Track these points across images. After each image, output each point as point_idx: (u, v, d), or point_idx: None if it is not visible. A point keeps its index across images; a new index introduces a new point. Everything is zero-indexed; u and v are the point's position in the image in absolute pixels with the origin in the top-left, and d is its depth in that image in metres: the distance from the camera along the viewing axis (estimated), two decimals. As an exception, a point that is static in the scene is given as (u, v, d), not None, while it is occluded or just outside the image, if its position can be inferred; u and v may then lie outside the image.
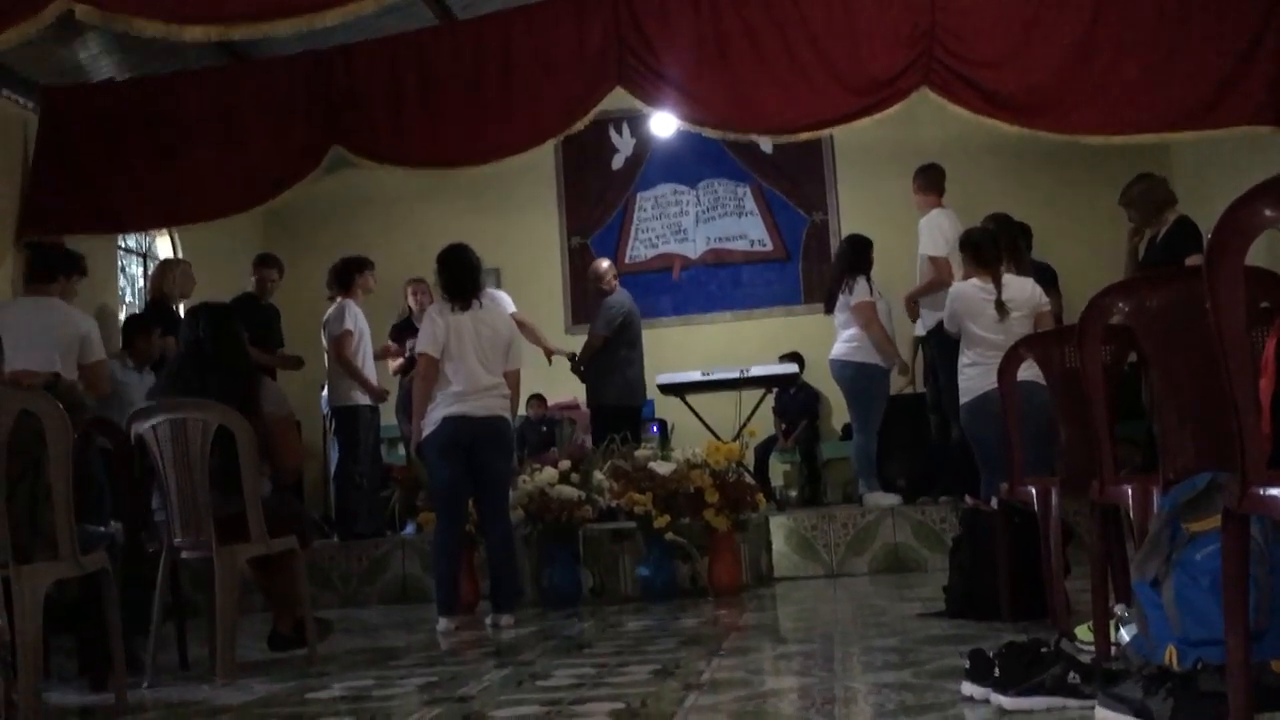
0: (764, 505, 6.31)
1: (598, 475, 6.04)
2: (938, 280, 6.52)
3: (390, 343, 7.98)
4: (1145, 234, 6.33)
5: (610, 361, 7.48)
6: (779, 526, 6.54)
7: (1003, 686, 2.57)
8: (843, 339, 6.89)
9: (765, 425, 8.64)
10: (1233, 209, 1.94)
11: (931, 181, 6.92)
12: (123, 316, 8.38)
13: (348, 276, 7.42)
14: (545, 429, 8.64)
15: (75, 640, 4.03)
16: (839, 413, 8.84)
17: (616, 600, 5.86)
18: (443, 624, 5.00)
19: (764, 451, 8.77)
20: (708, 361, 8.50)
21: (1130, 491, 2.89)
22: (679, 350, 9.11)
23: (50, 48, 7.08)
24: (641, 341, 7.67)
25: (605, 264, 7.89)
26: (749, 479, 6.25)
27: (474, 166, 7.25)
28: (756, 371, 8.04)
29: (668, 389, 8.06)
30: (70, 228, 7.13)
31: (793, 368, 8.35)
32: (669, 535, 5.76)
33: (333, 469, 7.46)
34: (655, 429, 8.02)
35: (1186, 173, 8.07)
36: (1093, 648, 3.08)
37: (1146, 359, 2.99)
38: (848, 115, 6.60)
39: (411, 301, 7.98)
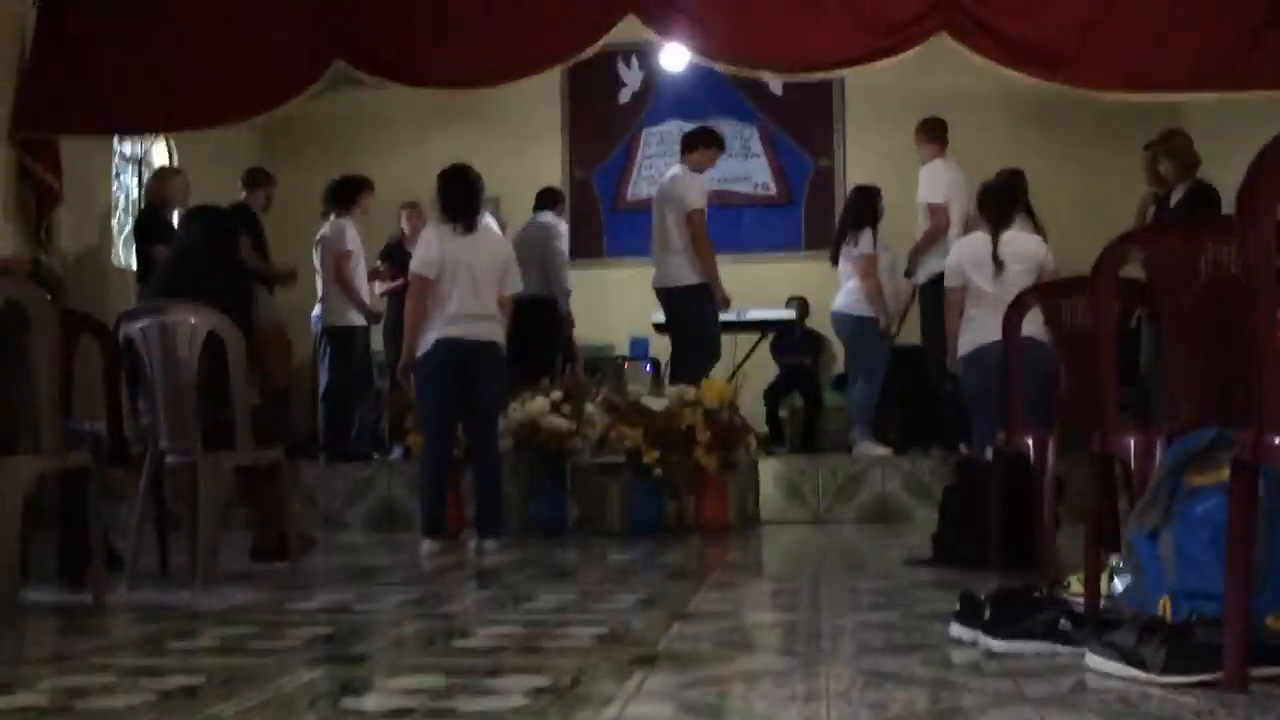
0: (754, 448, 6.29)
1: (589, 407, 6.00)
2: (935, 228, 6.54)
3: (379, 263, 7.90)
4: (1152, 197, 6.29)
5: None
6: (767, 469, 6.51)
7: (992, 629, 2.54)
8: (844, 291, 6.87)
9: (769, 369, 8.63)
10: (1271, 146, 1.88)
11: (935, 133, 6.90)
12: (115, 224, 8.28)
13: (349, 195, 7.35)
14: None
15: (56, 540, 3.99)
16: (834, 363, 8.80)
17: (602, 533, 5.85)
18: (426, 546, 4.98)
19: (773, 394, 8.76)
20: (704, 303, 8.41)
21: (1133, 443, 2.86)
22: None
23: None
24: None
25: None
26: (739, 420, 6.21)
27: (480, 89, 7.11)
28: (753, 315, 7.98)
29: (662, 328, 8.00)
30: (66, 127, 7.00)
31: (789, 313, 8.30)
32: (657, 471, 5.73)
33: (322, 389, 7.41)
34: (649, 368, 7.96)
35: (1199, 138, 7.97)
36: (1082, 598, 3.06)
37: (1156, 310, 2.95)
38: (863, 57, 6.48)
39: (405, 225, 7.90)
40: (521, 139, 9.49)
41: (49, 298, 3.08)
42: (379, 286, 7.81)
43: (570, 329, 7.63)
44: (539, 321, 7.04)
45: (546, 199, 7.74)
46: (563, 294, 7.40)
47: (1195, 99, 6.59)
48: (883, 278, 6.82)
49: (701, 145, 6.72)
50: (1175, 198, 6.07)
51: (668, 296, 6.66)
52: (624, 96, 9.79)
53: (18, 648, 2.87)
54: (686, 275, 6.45)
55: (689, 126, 9.67)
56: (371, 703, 2.15)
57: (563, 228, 7.59)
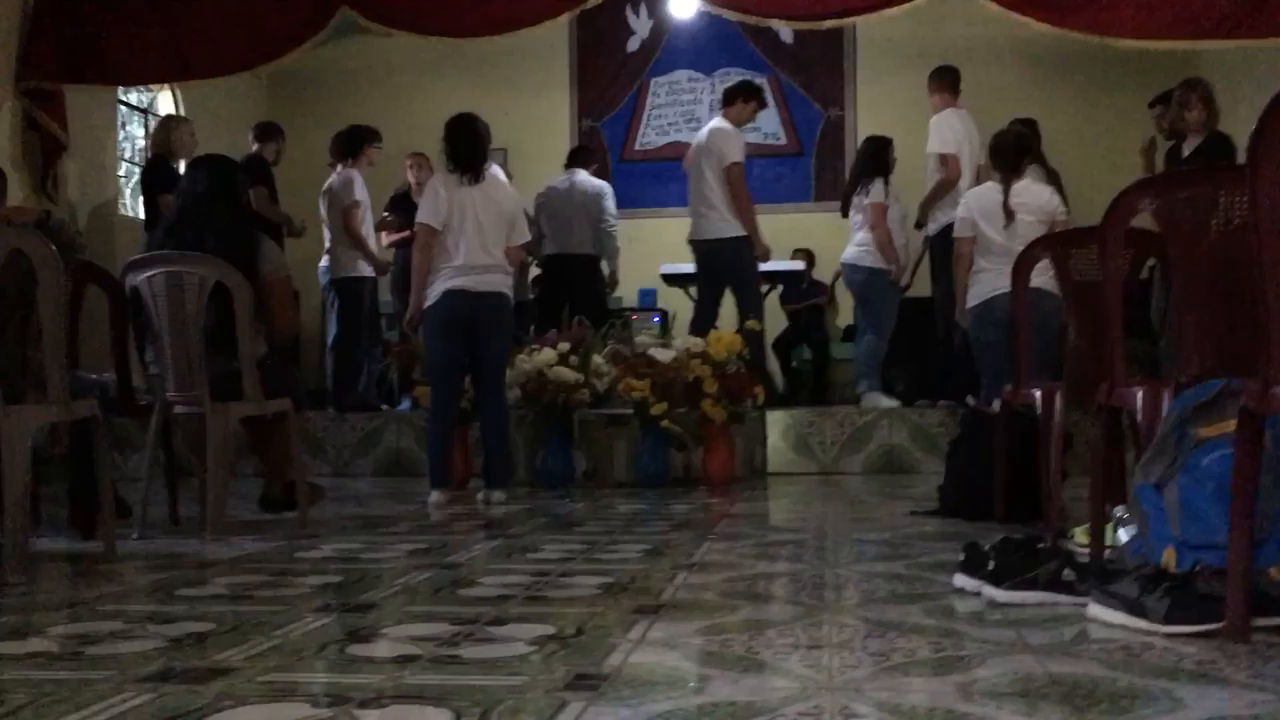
0: (761, 399, 6.29)
1: (596, 359, 5.99)
2: (946, 178, 6.51)
3: (386, 214, 7.88)
4: (1163, 147, 6.22)
5: None
6: (775, 421, 6.52)
7: (996, 580, 2.55)
8: (855, 242, 6.84)
9: (775, 323, 8.64)
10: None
11: (947, 82, 6.83)
12: (121, 173, 8.25)
13: (356, 145, 7.32)
14: None
15: (66, 489, 4.02)
16: (843, 314, 8.77)
17: (608, 485, 5.87)
18: (434, 497, 5.00)
19: (785, 344, 8.78)
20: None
21: (1140, 394, 2.84)
22: (685, 241, 8.98)
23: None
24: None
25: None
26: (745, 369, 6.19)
27: (487, 37, 7.03)
28: (762, 267, 7.94)
29: (671, 279, 7.99)
30: (71, 77, 6.96)
31: (799, 265, 8.27)
32: (664, 423, 5.73)
33: (330, 339, 7.42)
34: (657, 318, 7.96)
35: (1216, 88, 7.87)
36: (1087, 550, 3.07)
37: (1168, 259, 2.92)
38: (874, 5, 6.40)
39: (411, 175, 7.86)
40: (528, 88, 9.42)
41: (54, 249, 3.04)
42: (386, 237, 7.80)
43: (614, 289, 7.70)
44: (592, 280, 7.25)
45: (581, 156, 7.73)
46: (613, 254, 7.43)
47: (1211, 46, 6.49)
48: (893, 228, 6.78)
49: (741, 99, 6.74)
50: (1188, 148, 5.99)
51: (706, 249, 6.68)
52: (632, 45, 9.70)
53: (29, 595, 2.89)
54: (727, 228, 6.54)
55: (698, 76, 9.65)
56: (378, 650, 2.16)
57: (609, 187, 7.58)
